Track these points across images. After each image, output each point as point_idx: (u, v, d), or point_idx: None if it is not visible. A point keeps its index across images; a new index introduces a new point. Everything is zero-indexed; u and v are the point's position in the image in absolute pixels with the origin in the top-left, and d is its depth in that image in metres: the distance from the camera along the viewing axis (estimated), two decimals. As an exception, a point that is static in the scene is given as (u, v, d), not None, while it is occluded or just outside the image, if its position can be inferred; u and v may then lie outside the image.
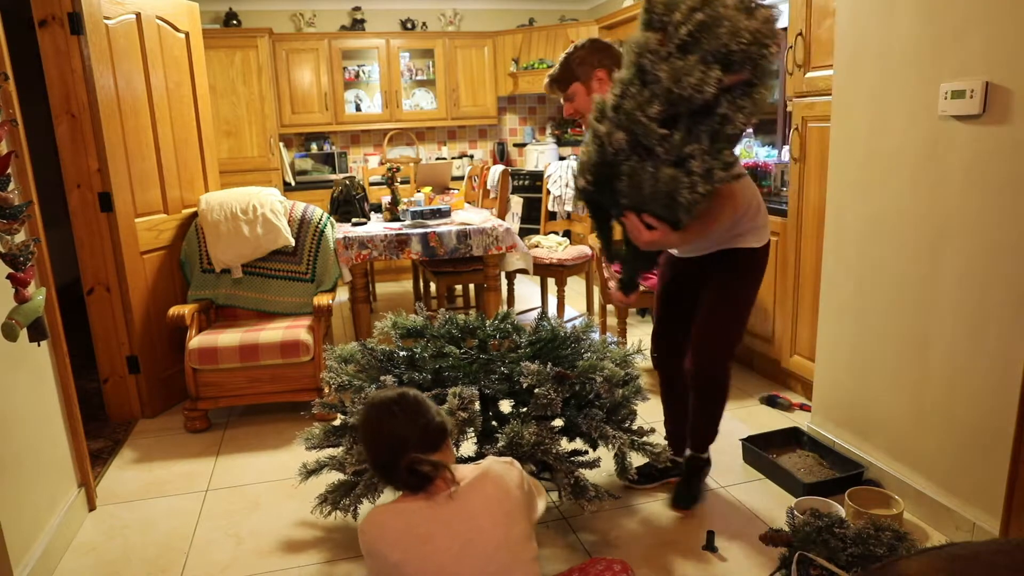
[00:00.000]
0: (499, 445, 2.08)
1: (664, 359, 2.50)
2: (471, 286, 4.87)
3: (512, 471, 1.57)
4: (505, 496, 1.50)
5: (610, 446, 2.17)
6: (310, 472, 2.31)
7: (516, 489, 1.54)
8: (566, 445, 2.31)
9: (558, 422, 2.25)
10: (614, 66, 2.09)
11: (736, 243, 2.20)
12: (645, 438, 2.25)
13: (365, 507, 2.27)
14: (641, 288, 3.30)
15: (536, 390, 2.11)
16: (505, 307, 4.01)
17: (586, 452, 2.32)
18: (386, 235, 3.60)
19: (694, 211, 1.83)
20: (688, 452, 2.47)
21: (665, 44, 1.77)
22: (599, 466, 2.28)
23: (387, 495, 2.34)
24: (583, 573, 1.70)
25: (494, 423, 2.27)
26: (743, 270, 2.24)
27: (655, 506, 2.43)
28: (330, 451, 2.32)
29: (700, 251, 2.27)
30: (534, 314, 2.56)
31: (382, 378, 2.16)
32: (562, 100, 2.27)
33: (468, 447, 2.25)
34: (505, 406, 2.34)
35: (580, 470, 2.16)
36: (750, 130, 4.19)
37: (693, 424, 2.43)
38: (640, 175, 1.82)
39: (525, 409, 2.18)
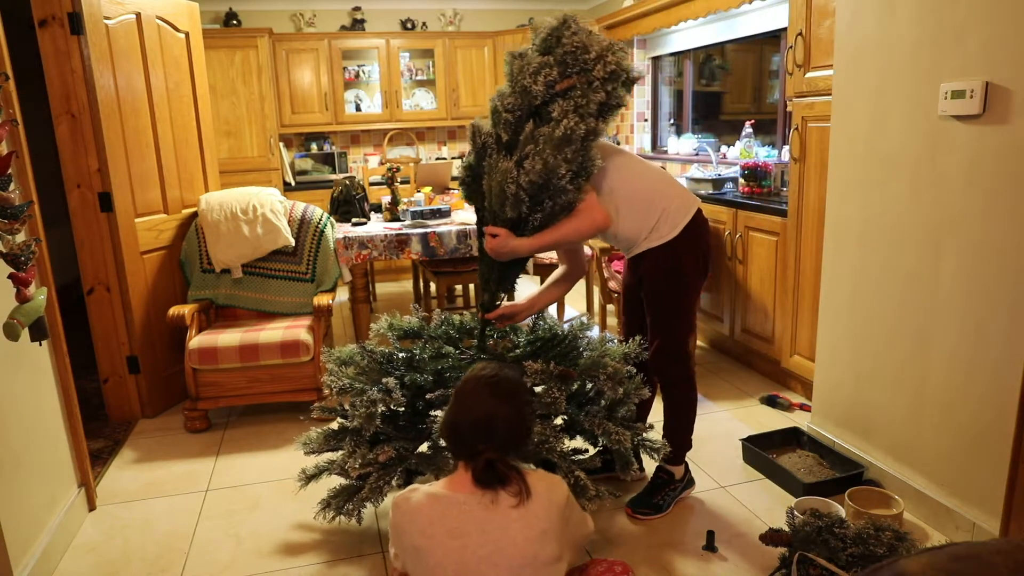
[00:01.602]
0: None
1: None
2: (471, 286, 4.86)
3: (559, 490, 1.52)
4: (545, 514, 1.46)
5: (612, 443, 2.17)
6: (310, 478, 2.30)
7: (557, 509, 1.49)
8: (568, 443, 2.31)
9: (558, 420, 2.25)
10: None
11: (655, 241, 2.22)
12: (645, 434, 2.25)
13: (369, 511, 2.27)
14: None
15: (539, 389, 2.11)
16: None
17: (585, 451, 2.32)
18: (386, 235, 3.60)
19: (520, 211, 1.99)
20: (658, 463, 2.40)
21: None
22: (599, 464, 2.28)
23: (390, 499, 2.34)
24: (584, 575, 1.70)
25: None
26: (664, 272, 2.24)
27: (655, 506, 2.43)
28: (329, 455, 2.31)
29: (628, 253, 2.34)
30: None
31: (384, 380, 2.16)
32: None
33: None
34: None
35: (580, 470, 2.16)
36: (750, 129, 4.20)
37: (663, 432, 2.40)
38: (493, 170, 2.01)
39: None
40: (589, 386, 2.28)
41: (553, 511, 1.47)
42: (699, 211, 2.27)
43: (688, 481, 2.47)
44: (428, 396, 2.15)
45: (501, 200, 1.99)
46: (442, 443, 2.15)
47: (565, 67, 2.00)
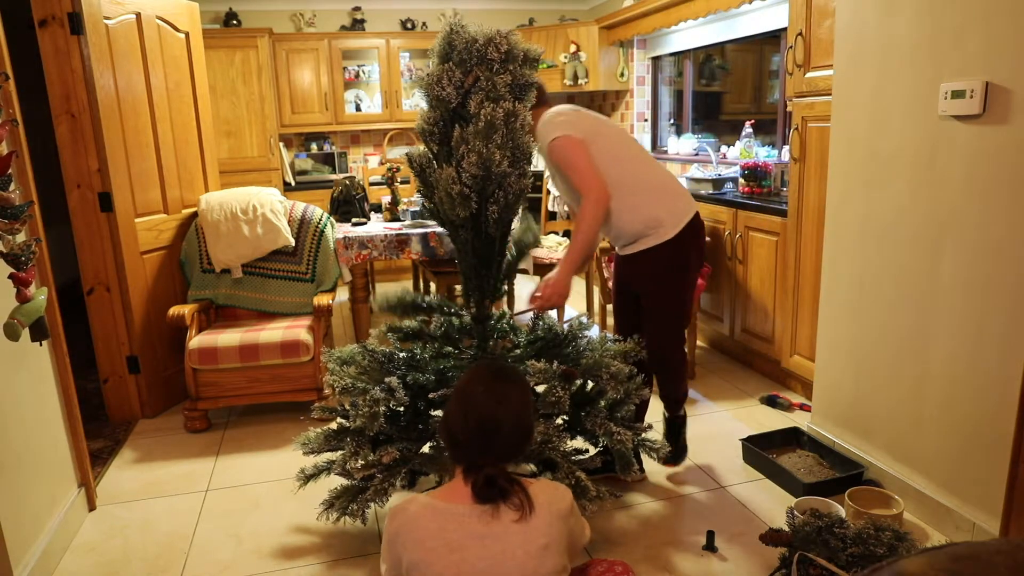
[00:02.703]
0: None
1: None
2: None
3: (562, 501, 1.46)
4: (547, 528, 1.40)
5: (614, 443, 2.17)
6: (309, 477, 2.30)
7: (559, 521, 1.43)
8: (568, 444, 2.31)
9: (559, 420, 2.25)
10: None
11: (655, 240, 2.35)
12: (645, 434, 2.25)
13: (371, 511, 2.26)
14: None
15: (542, 388, 2.11)
16: (505, 307, 4.01)
17: (586, 451, 2.32)
18: (386, 235, 3.60)
19: (470, 208, 2.04)
20: (666, 415, 2.67)
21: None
22: (599, 465, 2.28)
23: (394, 499, 2.33)
24: (584, 575, 1.69)
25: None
26: (661, 271, 2.38)
27: (655, 506, 2.43)
28: (328, 455, 2.31)
29: (625, 248, 2.44)
30: (532, 314, 2.57)
31: (386, 380, 2.16)
32: None
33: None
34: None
35: (581, 470, 2.16)
36: (750, 129, 4.20)
37: (663, 393, 2.61)
38: (437, 182, 2.07)
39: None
40: (590, 386, 2.28)
41: (555, 524, 1.42)
42: (697, 212, 2.42)
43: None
44: (431, 396, 2.15)
45: (451, 204, 2.04)
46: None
47: (465, 64, 2.08)
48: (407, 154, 2.21)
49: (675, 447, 2.65)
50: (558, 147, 2.29)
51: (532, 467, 2.22)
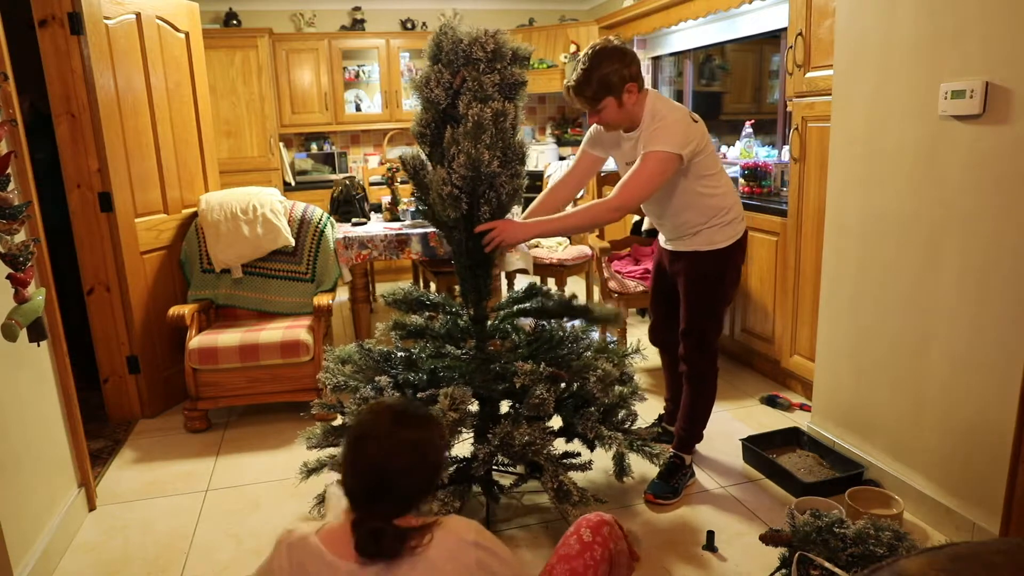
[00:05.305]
0: (493, 444, 2.08)
1: (663, 345, 2.69)
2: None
3: (467, 531, 1.25)
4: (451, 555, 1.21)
5: (607, 447, 2.17)
6: (311, 471, 2.31)
7: (466, 548, 1.23)
8: (562, 446, 2.30)
9: (556, 423, 2.24)
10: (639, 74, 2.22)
11: (704, 245, 2.33)
12: (642, 439, 2.25)
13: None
14: (640, 288, 3.35)
15: (529, 390, 2.11)
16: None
17: (578, 454, 2.31)
18: (386, 235, 3.60)
19: (460, 209, 2.04)
20: (670, 449, 2.45)
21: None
22: (591, 468, 2.27)
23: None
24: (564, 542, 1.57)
25: (490, 423, 2.27)
26: (712, 271, 2.37)
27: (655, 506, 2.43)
28: (330, 450, 2.32)
29: (673, 244, 2.42)
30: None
31: (377, 378, 2.17)
32: (587, 110, 2.25)
33: (464, 448, 2.25)
34: (504, 407, 2.34)
35: (570, 473, 2.15)
36: (750, 129, 4.19)
37: (680, 418, 2.53)
38: (431, 183, 2.08)
39: (519, 409, 2.17)
40: (586, 389, 2.28)
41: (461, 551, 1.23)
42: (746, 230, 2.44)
43: (691, 470, 2.55)
44: (419, 395, 2.15)
45: (443, 205, 2.04)
46: None
47: (452, 66, 2.10)
48: (400, 156, 2.22)
49: (661, 482, 2.45)
50: (657, 159, 2.11)
51: (521, 468, 2.23)
